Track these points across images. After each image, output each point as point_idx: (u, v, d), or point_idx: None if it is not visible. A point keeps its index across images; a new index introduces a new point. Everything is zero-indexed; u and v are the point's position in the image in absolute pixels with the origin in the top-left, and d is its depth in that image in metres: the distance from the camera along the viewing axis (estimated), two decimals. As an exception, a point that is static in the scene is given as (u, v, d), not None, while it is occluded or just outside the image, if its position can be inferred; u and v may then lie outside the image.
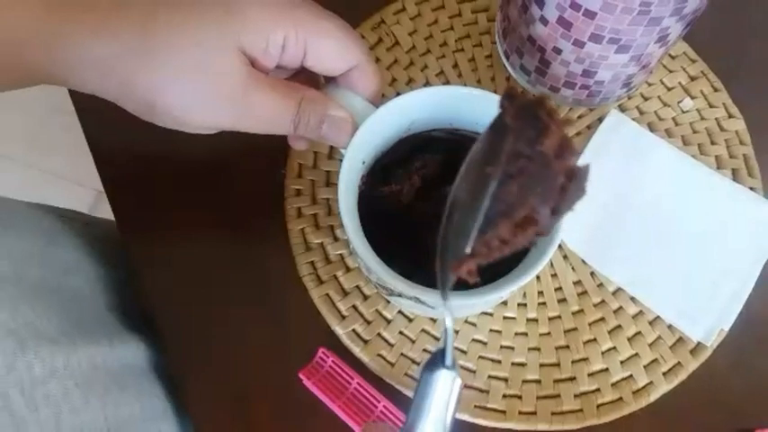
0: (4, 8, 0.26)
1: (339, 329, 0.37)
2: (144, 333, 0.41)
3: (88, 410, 0.32)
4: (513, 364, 0.37)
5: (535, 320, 0.37)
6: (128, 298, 0.43)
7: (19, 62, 0.27)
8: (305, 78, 0.32)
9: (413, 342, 0.37)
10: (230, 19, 0.27)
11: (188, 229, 0.40)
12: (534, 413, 0.36)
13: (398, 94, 0.31)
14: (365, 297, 0.37)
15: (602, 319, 0.37)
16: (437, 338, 0.37)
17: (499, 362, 0.37)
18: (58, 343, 0.32)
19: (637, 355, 0.37)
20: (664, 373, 0.36)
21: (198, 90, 0.27)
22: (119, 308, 0.41)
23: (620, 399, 0.36)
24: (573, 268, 0.38)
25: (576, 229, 0.38)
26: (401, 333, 0.37)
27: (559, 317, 0.37)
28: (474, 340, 0.37)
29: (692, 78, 0.42)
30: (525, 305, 0.38)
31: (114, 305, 0.41)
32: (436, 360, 0.25)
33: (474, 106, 0.32)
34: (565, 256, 0.39)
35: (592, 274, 0.38)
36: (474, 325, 0.37)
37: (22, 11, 0.26)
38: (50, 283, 0.36)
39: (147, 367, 0.39)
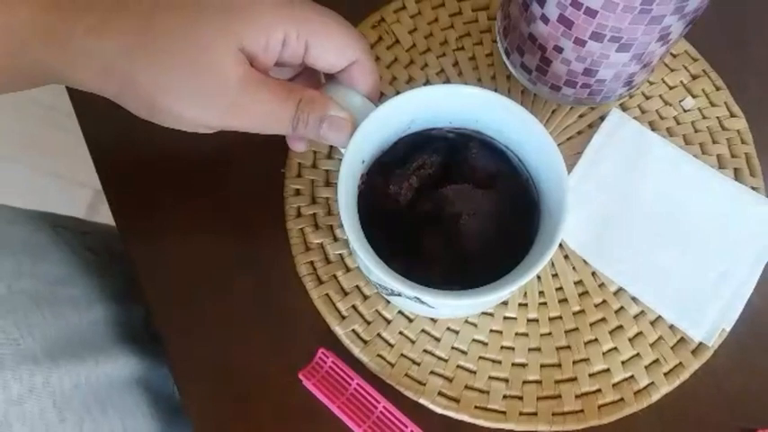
0: (4, 6, 0.26)
1: (339, 330, 0.37)
2: (135, 346, 0.40)
3: (66, 430, 0.32)
4: (513, 364, 0.36)
5: (536, 321, 0.37)
6: (123, 309, 0.42)
7: (20, 61, 0.27)
8: (305, 80, 0.32)
9: (413, 342, 0.37)
10: (230, 17, 0.27)
11: (187, 229, 0.40)
12: (535, 414, 0.35)
13: (398, 92, 0.31)
14: (365, 297, 0.37)
15: (604, 319, 0.37)
16: (437, 339, 0.37)
17: (500, 362, 0.36)
18: (38, 362, 0.32)
19: (638, 355, 0.37)
20: (665, 374, 0.36)
21: (197, 88, 0.27)
22: (112, 320, 0.41)
23: (622, 399, 0.36)
24: (574, 268, 0.38)
25: (577, 228, 0.38)
26: (401, 333, 0.37)
27: (560, 317, 0.37)
28: (474, 341, 0.37)
29: (694, 77, 0.42)
30: (526, 305, 0.37)
31: (107, 317, 0.41)
32: None
33: (474, 105, 0.32)
34: (566, 256, 0.38)
35: (593, 273, 0.38)
36: (474, 325, 0.37)
37: (23, 9, 0.26)
38: (44, 295, 0.36)
39: (135, 384, 0.39)
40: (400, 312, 0.37)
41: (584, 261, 0.38)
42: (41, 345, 0.33)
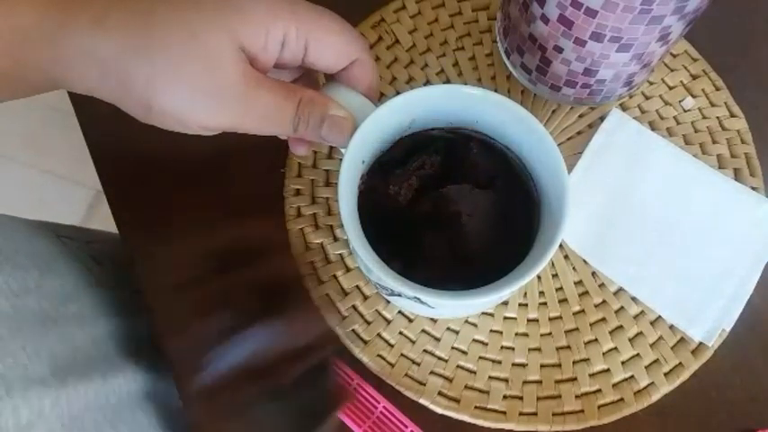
0: (5, 8, 0.26)
1: (339, 330, 0.37)
2: (141, 359, 0.40)
3: None
4: (513, 364, 0.36)
5: (536, 321, 0.37)
6: (127, 321, 0.42)
7: (21, 63, 0.27)
8: (305, 83, 0.32)
9: (413, 342, 0.37)
10: (229, 16, 0.27)
11: (187, 229, 0.39)
12: (535, 414, 0.35)
13: (398, 92, 0.31)
14: (365, 297, 0.37)
15: (604, 319, 0.37)
16: (437, 339, 0.37)
17: (500, 362, 0.36)
18: (46, 384, 0.31)
19: (638, 355, 0.37)
20: (665, 374, 0.36)
21: (195, 88, 0.27)
22: (117, 334, 0.40)
23: (622, 399, 0.36)
24: (574, 268, 0.38)
25: (577, 228, 0.38)
26: (401, 333, 0.37)
27: (560, 317, 0.37)
28: (474, 341, 0.37)
29: (694, 77, 0.42)
30: (526, 305, 0.37)
31: (112, 332, 0.40)
32: None
33: (474, 105, 0.32)
34: (566, 256, 0.38)
35: (593, 274, 0.38)
36: (475, 325, 0.37)
37: (21, 9, 0.26)
38: (49, 313, 0.35)
39: (144, 399, 0.39)
40: (400, 312, 0.37)
41: (584, 261, 0.38)
42: (49, 366, 0.32)
